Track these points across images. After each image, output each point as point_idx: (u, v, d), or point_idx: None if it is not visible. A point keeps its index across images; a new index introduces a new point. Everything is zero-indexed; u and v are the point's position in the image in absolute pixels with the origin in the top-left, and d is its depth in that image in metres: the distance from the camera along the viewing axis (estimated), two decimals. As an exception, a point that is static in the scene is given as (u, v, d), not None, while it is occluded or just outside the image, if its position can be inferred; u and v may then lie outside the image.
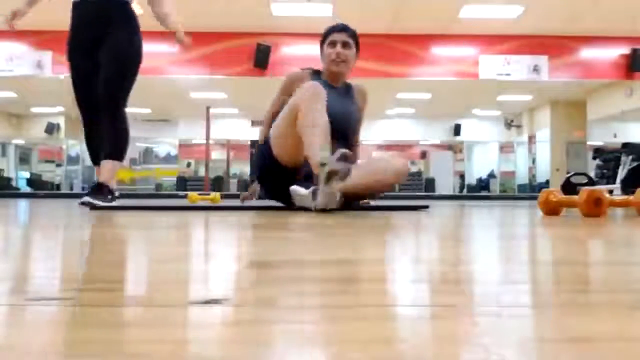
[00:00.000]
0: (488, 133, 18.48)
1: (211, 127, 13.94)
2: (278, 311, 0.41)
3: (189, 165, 18.92)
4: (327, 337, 0.34)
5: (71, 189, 15.54)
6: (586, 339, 0.34)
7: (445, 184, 16.01)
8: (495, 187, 17.72)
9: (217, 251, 0.88)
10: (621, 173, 6.68)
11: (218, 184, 14.60)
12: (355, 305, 0.43)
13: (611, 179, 7.12)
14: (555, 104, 15.41)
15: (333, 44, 2.71)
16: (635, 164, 6.53)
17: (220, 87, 13.04)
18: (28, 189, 14.80)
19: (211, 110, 14.09)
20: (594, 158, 7.98)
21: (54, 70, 10.19)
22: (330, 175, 2.09)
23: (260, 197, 2.98)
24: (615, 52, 10.56)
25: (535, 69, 10.38)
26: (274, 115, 2.69)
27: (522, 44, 10.37)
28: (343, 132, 2.63)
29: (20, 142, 18.28)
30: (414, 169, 19.79)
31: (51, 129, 17.04)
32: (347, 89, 2.84)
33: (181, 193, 10.10)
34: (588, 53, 10.54)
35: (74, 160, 16.96)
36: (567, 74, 10.65)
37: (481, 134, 18.59)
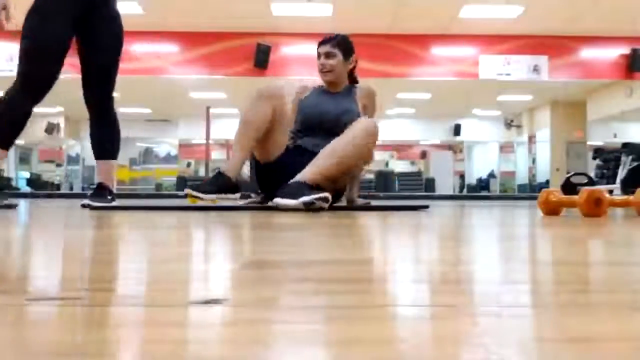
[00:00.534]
0: (488, 133, 18.48)
1: (211, 127, 13.94)
2: (278, 311, 0.41)
3: (189, 165, 18.93)
4: (327, 337, 0.34)
5: (71, 189, 15.54)
6: (586, 339, 0.34)
7: (445, 184, 16.01)
8: (495, 187, 17.72)
9: (217, 251, 0.88)
10: (621, 173, 6.68)
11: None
12: (355, 306, 0.43)
13: (611, 179, 7.12)
14: (555, 104, 15.41)
15: (319, 56, 2.95)
16: (635, 164, 6.53)
17: (220, 87, 13.05)
18: (28, 189, 14.80)
19: (211, 110, 14.09)
20: (594, 158, 7.98)
21: (54, 70, 10.18)
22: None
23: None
24: (615, 52, 10.56)
25: (535, 69, 10.38)
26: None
27: (522, 44, 10.37)
28: (332, 130, 2.69)
29: (20, 142, 18.27)
30: (414, 169, 19.81)
31: (51, 129, 17.04)
32: (349, 91, 2.95)
33: (181, 193, 10.09)
34: (588, 53, 10.54)
35: (74, 160, 16.96)
36: (567, 74, 10.65)
37: (481, 134, 18.59)
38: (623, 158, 6.83)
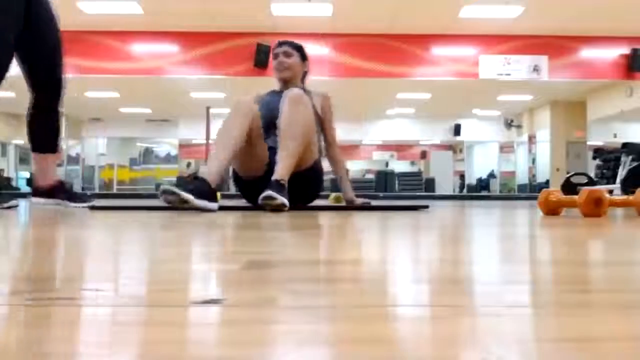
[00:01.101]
0: (488, 133, 18.49)
1: (211, 127, 13.94)
2: (278, 311, 0.41)
3: (189, 165, 18.92)
4: (327, 337, 0.34)
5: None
6: (586, 339, 0.34)
7: (445, 184, 16.02)
8: (495, 187, 17.72)
9: (216, 251, 0.88)
10: (621, 173, 6.68)
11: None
12: (355, 306, 0.43)
13: (611, 179, 7.12)
14: (555, 104, 15.41)
15: (276, 56, 3.11)
16: (635, 164, 6.53)
17: (220, 87, 13.04)
18: (28, 189, 14.80)
19: (211, 110, 14.10)
20: (594, 158, 7.98)
21: (54, 70, 10.19)
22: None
23: None
24: (615, 52, 10.57)
25: (535, 69, 10.39)
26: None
27: (522, 44, 10.38)
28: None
29: (20, 142, 18.28)
30: (414, 169, 19.81)
31: (51, 129, 17.00)
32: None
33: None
34: (588, 53, 10.55)
35: (74, 160, 16.96)
36: (567, 74, 10.65)
37: (481, 134, 18.60)
38: (623, 158, 6.83)
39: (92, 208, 2.74)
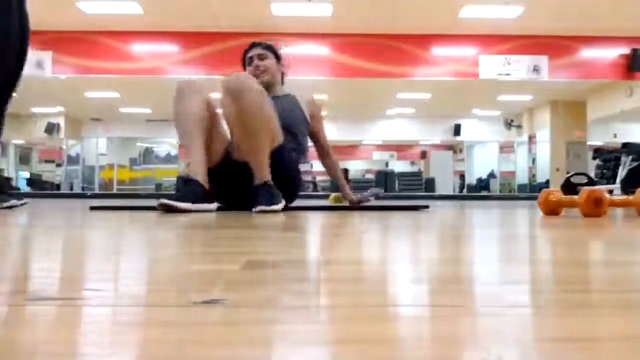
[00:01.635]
0: (488, 133, 18.49)
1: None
2: (277, 311, 0.41)
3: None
4: (327, 337, 0.34)
5: (71, 189, 15.54)
6: (586, 339, 0.34)
7: (445, 184, 16.01)
8: (495, 187, 17.72)
9: (216, 251, 0.88)
10: (621, 173, 6.69)
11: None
12: (355, 305, 0.43)
13: (611, 179, 7.13)
14: (555, 104, 15.41)
15: (250, 61, 2.90)
16: (635, 164, 6.53)
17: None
18: (28, 189, 14.80)
19: (211, 110, 14.07)
20: (594, 158, 7.99)
21: (54, 70, 10.20)
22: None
23: None
24: (615, 52, 10.57)
25: (535, 69, 10.39)
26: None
27: (522, 44, 10.38)
28: (289, 130, 2.71)
29: (20, 142, 18.28)
30: (414, 169, 19.81)
31: (51, 129, 17.04)
32: (288, 96, 2.90)
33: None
34: (588, 53, 10.55)
35: (74, 160, 16.95)
36: (567, 74, 10.66)
37: (481, 134, 18.60)
38: (623, 158, 6.83)
39: (93, 208, 2.74)
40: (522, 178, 17.50)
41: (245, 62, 2.96)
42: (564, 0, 8.86)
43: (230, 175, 2.62)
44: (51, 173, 17.63)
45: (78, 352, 0.31)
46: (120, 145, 17.94)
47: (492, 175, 18.35)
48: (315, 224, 1.55)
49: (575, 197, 2.12)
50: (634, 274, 0.64)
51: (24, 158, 18.60)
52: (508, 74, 10.45)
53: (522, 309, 0.43)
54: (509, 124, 18.08)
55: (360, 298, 0.46)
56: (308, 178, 14.89)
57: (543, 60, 10.38)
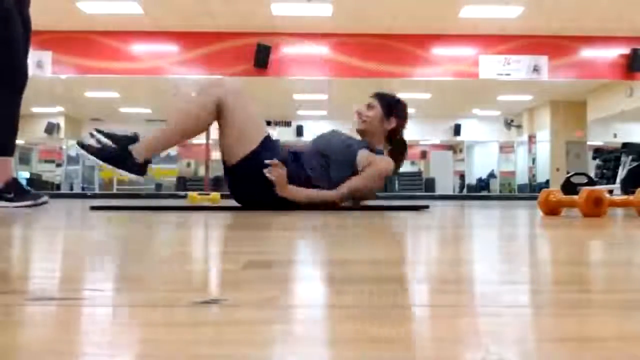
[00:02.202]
0: (488, 133, 18.48)
1: (211, 127, 13.91)
2: (277, 311, 0.41)
3: (189, 165, 18.92)
4: (327, 337, 0.34)
5: (71, 189, 15.55)
6: (586, 339, 0.34)
7: (445, 184, 16.01)
8: (495, 187, 17.72)
9: (216, 251, 0.88)
10: (621, 173, 6.68)
11: (218, 184, 14.60)
12: (355, 306, 0.43)
13: (611, 179, 7.12)
14: (555, 104, 15.41)
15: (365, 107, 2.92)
16: (635, 164, 6.53)
17: (220, 87, 13.01)
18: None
19: (211, 111, 14.06)
20: (594, 158, 7.98)
21: (54, 70, 10.20)
22: None
23: None
24: (615, 52, 10.57)
25: (535, 69, 10.39)
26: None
27: (522, 44, 10.38)
28: (326, 152, 2.73)
29: (20, 142, 18.26)
30: (414, 169, 19.79)
31: (51, 129, 17.04)
32: (361, 144, 2.79)
33: (181, 193, 10.11)
34: (588, 53, 10.55)
35: (74, 160, 16.95)
36: (567, 74, 10.66)
37: (481, 134, 18.59)
38: (623, 158, 6.83)
39: (93, 208, 2.73)
40: (522, 178, 17.50)
41: None
42: (564, 0, 8.86)
43: (246, 176, 2.61)
44: (51, 173, 17.62)
45: (78, 352, 0.31)
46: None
47: (492, 175, 18.35)
48: (314, 223, 1.55)
49: (575, 197, 2.12)
50: (633, 274, 0.64)
51: (24, 158, 18.59)
52: (508, 74, 10.45)
53: (522, 309, 0.43)
54: (509, 124, 18.08)
55: (360, 298, 0.46)
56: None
57: (543, 60, 10.38)
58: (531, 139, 16.90)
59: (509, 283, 0.57)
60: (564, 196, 2.24)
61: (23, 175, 17.90)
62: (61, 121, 17.21)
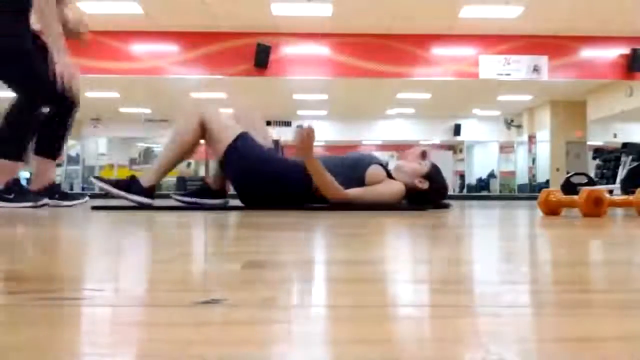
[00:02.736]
0: (488, 133, 18.49)
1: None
2: (277, 311, 0.41)
3: (189, 165, 18.91)
4: (327, 337, 0.34)
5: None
6: (586, 339, 0.34)
7: (445, 184, 15.97)
8: (495, 187, 17.72)
9: (216, 251, 0.88)
10: (621, 173, 6.68)
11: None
12: (355, 306, 0.43)
13: (611, 179, 7.12)
14: (555, 104, 15.41)
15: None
16: (635, 164, 6.53)
17: (220, 87, 13.04)
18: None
19: (211, 111, 14.05)
20: (594, 158, 7.98)
21: (54, 70, 10.18)
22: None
23: None
24: (615, 52, 10.57)
25: (535, 69, 10.39)
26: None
27: (522, 44, 10.38)
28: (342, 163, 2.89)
29: (20, 142, 18.21)
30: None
31: (51, 129, 16.99)
32: (368, 160, 2.96)
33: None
34: (588, 53, 10.55)
35: (74, 160, 16.95)
36: (567, 74, 10.66)
37: (481, 134, 18.60)
38: (623, 158, 6.83)
39: (94, 208, 2.74)
40: (522, 178, 17.50)
41: None
42: (564, 0, 8.86)
43: (231, 163, 2.87)
44: (51, 173, 17.59)
45: (78, 352, 0.31)
46: (120, 145, 17.95)
47: (492, 175, 18.35)
48: (314, 223, 1.55)
49: (575, 197, 2.12)
50: (633, 274, 0.64)
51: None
52: (508, 74, 10.45)
53: (521, 309, 0.43)
54: (509, 124, 18.08)
55: (360, 298, 0.46)
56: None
57: (543, 60, 10.38)
58: (531, 139, 16.90)
59: (509, 283, 0.57)
60: (564, 196, 2.24)
61: (23, 175, 17.90)
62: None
